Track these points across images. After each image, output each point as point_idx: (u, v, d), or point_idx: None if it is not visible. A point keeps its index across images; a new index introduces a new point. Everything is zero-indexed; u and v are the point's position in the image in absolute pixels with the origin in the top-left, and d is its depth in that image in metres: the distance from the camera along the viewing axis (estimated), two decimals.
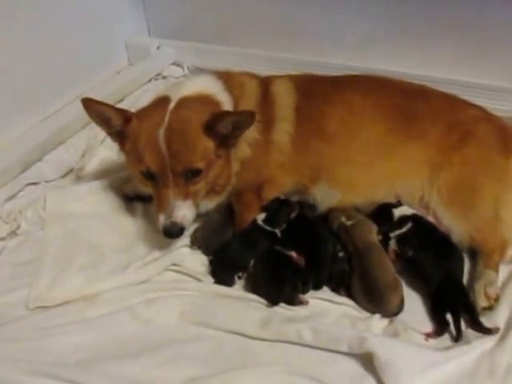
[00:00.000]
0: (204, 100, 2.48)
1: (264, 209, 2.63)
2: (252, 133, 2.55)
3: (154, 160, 2.30)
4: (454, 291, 2.25)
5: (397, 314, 2.25)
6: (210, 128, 2.33)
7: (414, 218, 2.51)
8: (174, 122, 2.33)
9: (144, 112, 2.48)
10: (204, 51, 4.18)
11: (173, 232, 2.35)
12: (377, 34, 3.52)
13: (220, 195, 2.63)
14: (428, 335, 2.17)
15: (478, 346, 2.06)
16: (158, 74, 4.28)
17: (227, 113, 2.41)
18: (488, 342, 2.08)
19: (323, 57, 3.70)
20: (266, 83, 2.77)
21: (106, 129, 2.48)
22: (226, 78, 2.68)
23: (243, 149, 2.58)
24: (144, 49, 4.29)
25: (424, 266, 2.36)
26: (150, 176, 2.37)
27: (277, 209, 2.60)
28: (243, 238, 2.53)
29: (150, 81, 4.21)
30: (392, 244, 2.44)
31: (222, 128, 2.34)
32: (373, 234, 2.48)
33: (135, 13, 4.27)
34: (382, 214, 2.58)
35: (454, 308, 2.18)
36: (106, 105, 2.41)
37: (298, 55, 3.77)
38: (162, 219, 2.36)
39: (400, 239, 2.46)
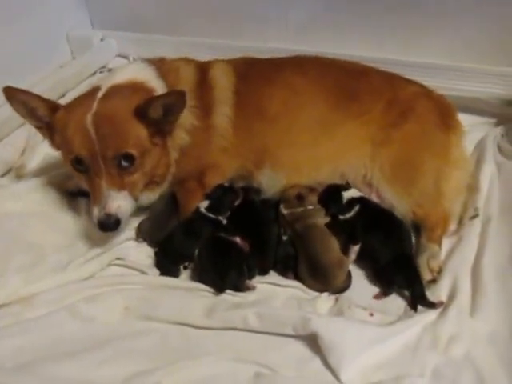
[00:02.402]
0: (134, 87, 2.46)
1: (207, 196, 2.61)
2: (189, 119, 2.55)
3: (83, 145, 2.26)
4: (405, 266, 2.29)
5: (344, 289, 2.29)
6: (141, 114, 2.31)
7: (361, 200, 2.53)
8: (103, 107, 2.30)
9: (72, 102, 2.46)
10: (149, 41, 4.11)
11: (108, 224, 2.30)
12: (320, 16, 3.54)
13: (160, 186, 2.60)
14: (376, 297, 2.24)
15: (420, 320, 2.11)
16: (103, 67, 4.21)
17: (156, 96, 2.38)
18: (430, 314, 2.13)
19: (267, 42, 3.72)
20: (203, 68, 2.75)
21: (33, 121, 2.43)
22: (160, 65, 2.66)
23: (181, 136, 2.56)
24: (87, 41, 4.20)
25: (374, 246, 2.38)
26: (81, 166, 2.33)
27: (220, 196, 2.60)
28: (186, 227, 2.51)
29: (94, 74, 4.14)
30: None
31: (154, 113, 2.31)
32: (315, 217, 2.49)
33: (77, 4, 4.20)
34: (330, 196, 2.59)
35: (407, 281, 2.23)
36: (31, 94, 2.36)
37: (242, 41, 3.76)
38: (95, 212, 2.32)
39: (351, 223, 2.48)
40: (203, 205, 2.56)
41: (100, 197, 2.30)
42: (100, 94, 2.38)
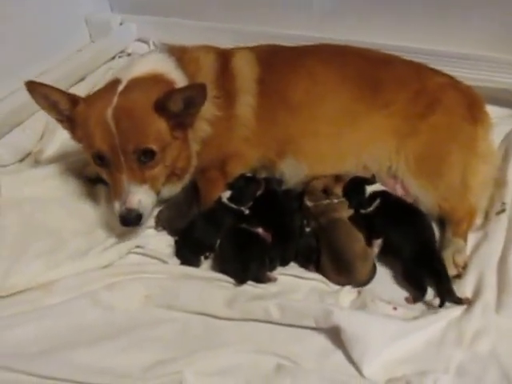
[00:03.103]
0: (154, 79, 2.48)
1: (229, 186, 2.63)
2: (211, 110, 2.56)
3: (104, 140, 2.29)
4: (430, 261, 2.29)
5: (367, 282, 2.32)
6: (160, 107, 2.32)
7: (383, 195, 2.53)
8: (123, 102, 2.32)
9: (93, 95, 2.49)
10: (170, 26, 4.13)
11: (130, 219, 2.33)
12: (345, 4, 3.53)
13: (182, 179, 2.63)
14: (407, 300, 2.24)
15: (445, 315, 2.12)
16: (122, 51, 4.24)
17: (176, 90, 2.39)
18: (455, 310, 2.14)
19: (291, 29, 3.70)
20: (224, 56, 2.76)
21: (54, 114, 2.46)
22: (180, 55, 2.67)
23: (203, 128, 2.58)
24: (106, 25, 4.23)
25: (396, 240, 2.39)
26: (102, 161, 2.36)
27: (242, 186, 2.62)
28: (208, 217, 2.54)
29: (113, 58, 4.17)
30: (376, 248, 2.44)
31: (174, 106, 2.33)
32: (339, 211, 2.50)
33: None
34: (353, 188, 2.60)
35: (434, 275, 2.24)
36: (52, 87, 2.39)
37: (265, 27, 3.76)
38: (117, 206, 2.35)
39: (371, 218, 2.50)
40: (225, 195, 2.59)
41: (121, 191, 2.33)
42: (120, 88, 2.40)
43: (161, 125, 2.36)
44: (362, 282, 2.32)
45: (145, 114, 2.33)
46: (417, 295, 2.25)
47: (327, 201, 2.54)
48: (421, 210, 2.50)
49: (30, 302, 2.27)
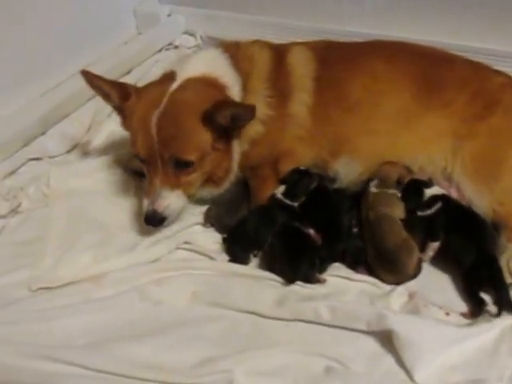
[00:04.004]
0: (208, 84, 2.50)
1: (283, 181, 2.66)
2: (263, 110, 2.58)
3: (144, 144, 2.35)
4: (490, 269, 2.29)
5: (414, 276, 2.33)
6: (208, 119, 2.35)
7: (443, 198, 2.53)
8: (171, 106, 2.36)
9: (145, 89, 2.53)
10: (218, 19, 4.18)
11: (152, 220, 2.42)
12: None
13: (219, 186, 2.66)
14: (464, 315, 2.21)
15: (498, 324, 2.11)
16: (170, 44, 4.29)
17: (227, 103, 2.41)
18: (509, 319, 2.13)
19: (342, 24, 3.72)
20: (279, 52, 2.78)
21: (109, 103, 2.55)
22: (234, 52, 2.69)
23: (254, 128, 2.59)
24: (154, 16, 4.30)
25: (455, 246, 2.39)
26: (141, 160, 2.44)
27: (296, 180, 2.63)
28: (262, 215, 2.57)
29: (160, 51, 4.23)
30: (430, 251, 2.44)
31: (221, 119, 2.35)
32: (392, 208, 2.51)
33: None
34: (412, 190, 2.59)
35: (492, 285, 2.24)
36: (104, 80, 2.46)
37: (315, 23, 3.78)
38: (145, 203, 2.43)
39: (430, 220, 2.49)
40: (279, 190, 2.61)
41: (152, 192, 2.40)
42: (173, 88, 2.43)
43: (205, 136, 2.39)
44: (408, 276, 2.33)
45: (191, 124, 2.36)
46: (475, 310, 2.22)
47: (392, 190, 2.55)
48: (482, 217, 2.48)
49: (79, 295, 2.33)
